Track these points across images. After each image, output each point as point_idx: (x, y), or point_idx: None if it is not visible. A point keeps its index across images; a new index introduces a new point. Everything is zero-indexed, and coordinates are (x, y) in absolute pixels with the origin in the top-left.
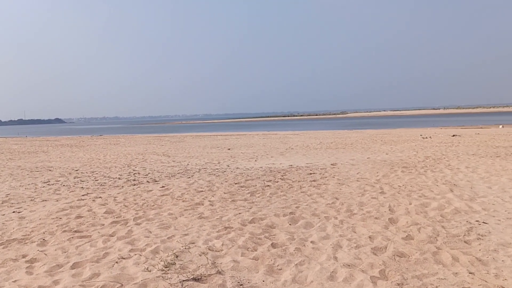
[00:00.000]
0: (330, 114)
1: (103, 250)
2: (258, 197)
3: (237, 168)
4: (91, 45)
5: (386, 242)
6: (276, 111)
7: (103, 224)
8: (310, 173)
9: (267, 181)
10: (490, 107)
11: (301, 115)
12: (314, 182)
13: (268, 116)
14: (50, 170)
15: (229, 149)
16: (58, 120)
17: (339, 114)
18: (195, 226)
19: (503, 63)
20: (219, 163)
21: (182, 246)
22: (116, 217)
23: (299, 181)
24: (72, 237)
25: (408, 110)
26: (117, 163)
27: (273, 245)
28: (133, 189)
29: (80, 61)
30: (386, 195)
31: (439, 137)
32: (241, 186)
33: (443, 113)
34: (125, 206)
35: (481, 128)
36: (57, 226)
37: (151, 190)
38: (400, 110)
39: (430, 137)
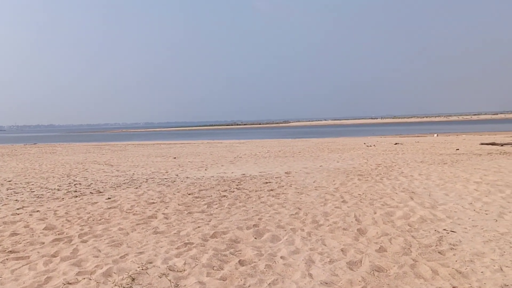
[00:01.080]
0: (273, 123)
1: (44, 274)
2: (216, 208)
3: (187, 177)
4: (22, 48)
5: (360, 255)
6: (219, 119)
7: (43, 243)
8: (266, 182)
9: (222, 191)
10: (424, 117)
11: (244, 124)
12: (272, 192)
13: (211, 125)
14: None
15: (175, 158)
16: None
17: (281, 123)
18: (150, 243)
19: (436, 73)
20: (167, 172)
21: (139, 267)
22: (58, 234)
23: (256, 191)
24: (7, 259)
25: (348, 119)
26: (55, 173)
27: (241, 263)
28: (75, 201)
29: (10, 65)
30: (348, 204)
31: (382, 145)
32: (196, 197)
33: (380, 123)
34: (68, 220)
35: (418, 136)
36: None
37: (96, 202)
38: (340, 120)
39: (374, 145)
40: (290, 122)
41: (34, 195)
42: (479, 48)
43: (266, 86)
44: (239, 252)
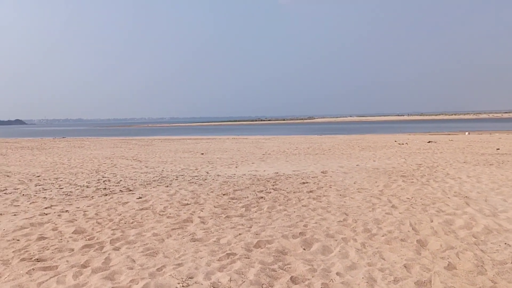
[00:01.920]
0: (297, 119)
1: None
2: (255, 212)
3: (218, 175)
4: (51, 44)
5: (428, 274)
6: (243, 115)
7: (73, 249)
8: (303, 182)
9: (258, 191)
10: (452, 114)
11: (268, 120)
12: (312, 194)
13: (235, 120)
14: (7, 176)
15: (202, 153)
16: (18, 122)
17: (306, 119)
18: (189, 252)
19: (464, 72)
20: (196, 169)
21: (179, 283)
22: (89, 239)
23: (294, 192)
24: (33, 269)
25: (373, 116)
26: (84, 168)
27: (293, 280)
28: (105, 200)
29: (41, 61)
30: (399, 210)
31: (415, 143)
32: (231, 198)
33: (407, 120)
34: (98, 223)
35: (449, 134)
36: (13, 251)
37: (126, 202)
38: (365, 116)
39: (406, 143)
40: (314, 118)
41: (63, 192)
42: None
43: (291, 83)
44: (289, 266)
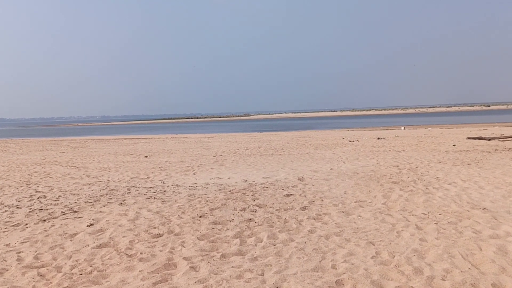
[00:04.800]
0: (233, 116)
1: None
2: (255, 245)
3: (177, 185)
4: None
5: None
6: (177, 112)
7: None
8: (287, 195)
9: (240, 210)
10: (381, 110)
11: (204, 117)
12: (307, 212)
13: (170, 118)
14: None
15: (146, 156)
16: None
17: (242, 116)
18: None
19: (389, 68)
20: (148, 177)
21: None
22: None
23: (285, 210)
24: None
25: (308, 112)
26: (11, 180)
27: None
28: (45, 229)
29: None
30: (430, 233)
31: (364, 140)
32: (213, 223)
33: (340, 115)
34: (41, 276)
35: (387, 129)
36: None
37: (75, 234)
38: (300, 112)
39: (357, 140)
40: (250, 115)
41: None
42: (430, 45)
43: (223, 78)
44: None
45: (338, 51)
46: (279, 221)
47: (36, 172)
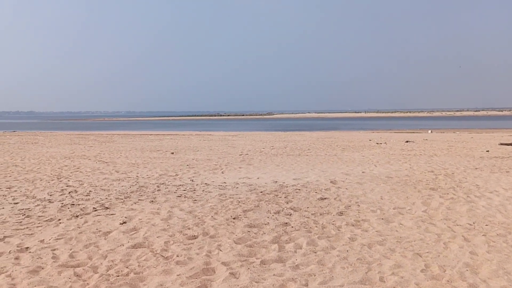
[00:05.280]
0: (256, 115)
1: None
2: (295, 252)
3: (206, 184)
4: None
5: None
6: (201, 110)
7: None
8: (321, 198)
9: (274, 212)
10: (407, 112)
11: (228, 115)
12: (345, 217)
13: (195, 115)
14: None
15: (172, 153)
16: None
17: (265, 114)
18: None
19: (417, 71)
20: (177, 175)
21: None
22: None
23: (321, 214)
24: None
25: (330, 112)
26: (42, 172)
27: None
28: (78, 226)
29: None
30: (479, 246)
31: (393, 142)
32: (249, 226)
33: (364, 116)
34: (78, 276)
35: (413, 132)
36: None
37: (109, 232)
38: (323, 113)
39: (385, 143)
40: (273, 114)
41: (19, 211)
42: (463, 50)
43: (249, 79)
44: None
45: (364, 52)
46: (316, 226)
47: (66, 166)
